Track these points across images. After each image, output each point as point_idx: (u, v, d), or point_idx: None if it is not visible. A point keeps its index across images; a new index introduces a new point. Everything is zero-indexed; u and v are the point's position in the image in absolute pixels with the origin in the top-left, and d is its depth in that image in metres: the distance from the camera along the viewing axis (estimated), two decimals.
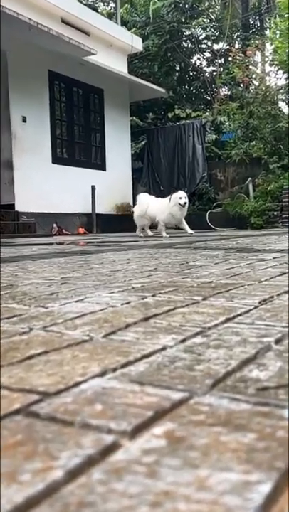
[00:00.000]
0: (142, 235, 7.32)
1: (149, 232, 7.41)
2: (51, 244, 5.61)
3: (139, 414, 0.55)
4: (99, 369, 0.72)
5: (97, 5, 15.51)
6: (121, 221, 10.07)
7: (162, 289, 1.55)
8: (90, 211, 9.82)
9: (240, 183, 11.15)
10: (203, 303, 1.28)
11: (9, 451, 0.47)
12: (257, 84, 11.93)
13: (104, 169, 10.71)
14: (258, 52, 13.09)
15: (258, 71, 13.45)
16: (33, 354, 0.82)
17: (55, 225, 9.11)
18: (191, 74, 15.14)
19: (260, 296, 1.36)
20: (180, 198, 6.79)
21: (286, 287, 1.53)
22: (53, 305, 1.31)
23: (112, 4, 15.21)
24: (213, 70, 14.61)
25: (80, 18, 9.56)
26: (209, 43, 15.09)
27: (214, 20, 14.94)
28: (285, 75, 10.93)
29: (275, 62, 10.96)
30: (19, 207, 8.51)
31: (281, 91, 11.11)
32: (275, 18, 12.57)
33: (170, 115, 12.91)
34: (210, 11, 15.25)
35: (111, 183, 10.54)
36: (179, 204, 6.78)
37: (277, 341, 0.86)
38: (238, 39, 15.54)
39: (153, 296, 1.42)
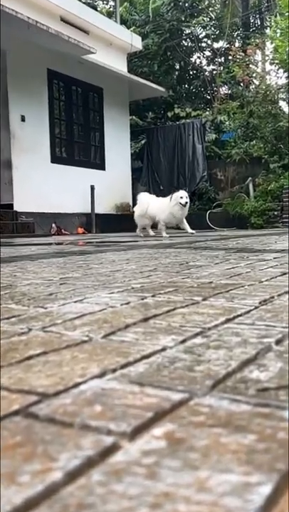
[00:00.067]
0: (142, 234, 7.31)
1: (151, 232, 7.40)
2: (50, 244, 5.61)
3: (138, 415, 0.55)
4: (98, 370, 0.72)
5: (96, 3, 15.49)
6: (120, 221, 10.07)
7: (162, 290, 1.55)
8: (89, 211, 9.81)
9: (240, 182, 11.15)
10: (203, 303, 1.28)
11: (8, 452, 0.47)
12: (257, 83, 11.94)
13: (103, 169, 10.71)
14: (258, 51, 13.07)
15: (259, 70, 13.45)
16: (32, 355, 0.81)
17: (54, 225, 9.10)
18: (191, 73, 15.13)
19: (260, 296, 1.36)
20: (181, 197, 6.77)
21: (286, 287, 1.53)
22: (52, 305, 1.31)
23: (112, 3, 15.19)
24: (213, 69, 14.60)
25: (80, 17, 9.55)
26: (209, 42, 15.08)
27: (214, 19, 14.93)
28: (286, 74, 10.93)
29: (276, 61, 10.96)
30: (18, 206, 8.50)
31: (281, 90, 11.11)
32: (276, 16, 12.58)
33: (170, 114, 12.90)
34: (210, 9, 15.23)
35: (110, 183, 10.53)
36: (180, 204, 6.76)
37: (278, 342, 0.86)
38: (239, 38, 15.53)
39: (153, 296, 1.42)
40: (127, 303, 1.31)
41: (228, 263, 2.42)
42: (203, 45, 15.05)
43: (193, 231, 7.08)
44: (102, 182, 10.14)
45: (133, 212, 7.69)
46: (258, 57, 14.07)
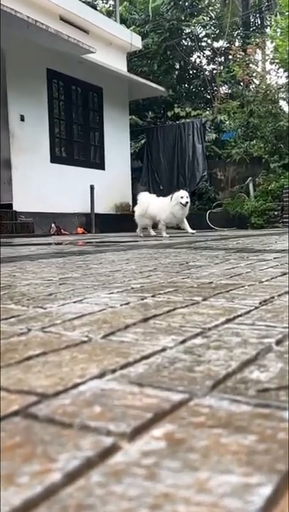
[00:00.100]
0: (142, 234, 7.30)
1: (152, 232, 7.40)
2: (50, 244, 5.61)
3: (138, 415, 0.55)
4: (98, 370, 0.72)
5: (96, 3, 15.47)
6: (120, 221, 10.06)
7: (162, 290, 1.54)
8: (88, 211, 9.80)
9: (240, 182, 11.14)
10: (204, 303, 1.28)
11: (7, 453, 0.47)
12: (257, 82, 11.93)
13: (103, 168, 10.70)
14: (258, 51, 13.07)
15: (259, 69, 13.44)
16: (32, 355, 0.81)
17: (53, 225, 9.10)
18: (190, 72, 15.13)
19: (260, 296, 1.36)
20: (182, 197, 6.77)
21: (287, 288, 1.53)
22: (52, 306, 1.30)
23: (111, 2, 15.17)
24: (213, 69, 14.59)
25: (79, 16, 9.54)
26: (209, 41, 15.07)
27: (214, 18, 14.92)
28: (286, 74, 10.93)
29: (276, 61, 10.96)
30: (17, 206, 8.50)
31: (282, 89, 11.10)
32: (276, 15, 12.58)
33: (170, 114, 12.90)
34: (210, 8, 15.22)
35: (110, 183, 10.53)
36: (181, 203, 6.76)
37: (278, 342, 0.86)
38: (239, 37, 15.52)
39: (152, 296, 1.42)
40: (127, 303, 1.30)
41: (228, 263, 2.42)
42: (203, 44, 15.04)
43: (194, 231, 7.08)
44: (101, 182, 10.13)
45: (133, 212, 7.69)
46: (258, 56, 14.08)
